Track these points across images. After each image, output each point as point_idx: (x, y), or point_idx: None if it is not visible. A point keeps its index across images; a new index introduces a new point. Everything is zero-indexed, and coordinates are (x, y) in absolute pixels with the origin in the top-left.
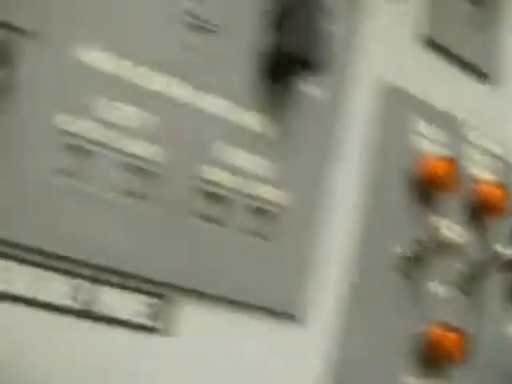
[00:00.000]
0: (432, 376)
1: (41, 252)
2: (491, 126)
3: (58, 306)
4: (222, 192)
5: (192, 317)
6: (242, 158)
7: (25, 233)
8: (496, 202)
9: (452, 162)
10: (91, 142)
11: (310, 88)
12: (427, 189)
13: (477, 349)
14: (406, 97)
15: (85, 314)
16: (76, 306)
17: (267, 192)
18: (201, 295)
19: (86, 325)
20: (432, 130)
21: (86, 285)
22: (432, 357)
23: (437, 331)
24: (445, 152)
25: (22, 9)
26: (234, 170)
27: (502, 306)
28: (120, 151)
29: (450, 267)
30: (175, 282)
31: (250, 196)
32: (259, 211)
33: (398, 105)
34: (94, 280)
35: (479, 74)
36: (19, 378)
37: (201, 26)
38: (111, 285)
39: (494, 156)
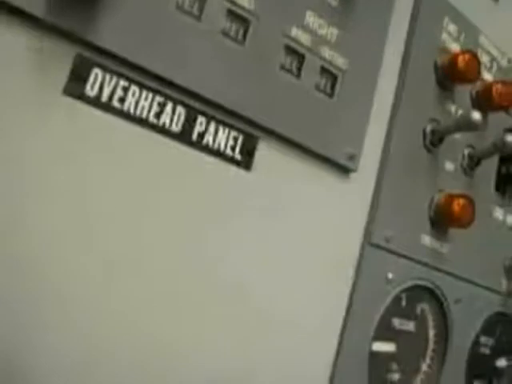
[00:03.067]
0: (441, 238)
1: (162, 79)
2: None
3: (175, 133)
4: (301, 50)
5: (268, 155)
6: (319, 24)
7: (153, 61)
8: (500, 97)
9: (475, 57)
10: None
11: None
12: (450, 78)
13: None
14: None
15: (197, 143)
16: (193, 136)
17: (332, 56)
18: (277, 136)
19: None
20: (457, 31)
21: (200, 118)
22: (444, 220)
23: (448, 198)
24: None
25: None
26: (313, 34)
27: (492, 190)
28: None
29: (459, 148)
30: (260, 121)
31: (320, 57)
32: (325, 71)
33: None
34: (204, 113)
35: None
36: None
37: None
38: (214, 119)
39: (496, 59)
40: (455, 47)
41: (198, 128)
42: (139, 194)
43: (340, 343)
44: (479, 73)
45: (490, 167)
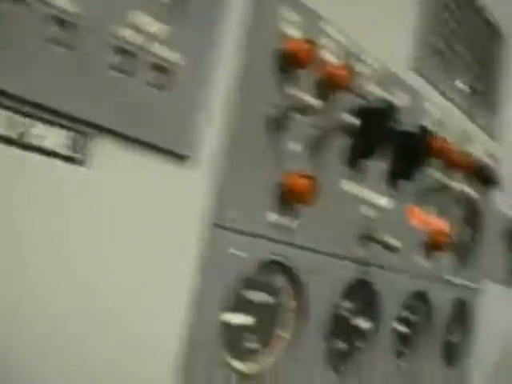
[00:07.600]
0: (288, 214)
1: None
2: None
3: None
4: (130, 48)
5: (104, 151)
6: (147, 22)
7: None
8: (341, 79)
9: (311, 43)
10: None
11: None
12: (290, 65)
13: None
14: None
15: (19, 144)
16: (12, 135)
17: (164, 51)
18: (111, 132)
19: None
20: (296, 18)
21: (20, 119)
22: (289, 199)
23: (293, 177)
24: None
25: None
26: (141, 32)
27: (340, 164)
28: (47, 3)
29: (303, 129)
30: (92, 120)
31: (151, 53)
32: (157, 67)
33: None
34: (27, 114)
35: None
36: None
37: None
38: (41, 120)
39: (340, 44)
40: (295, 34)
41: (34, 131)
42: None
43: (191, 318)
44: (316, 57)
45: (336, 144)
